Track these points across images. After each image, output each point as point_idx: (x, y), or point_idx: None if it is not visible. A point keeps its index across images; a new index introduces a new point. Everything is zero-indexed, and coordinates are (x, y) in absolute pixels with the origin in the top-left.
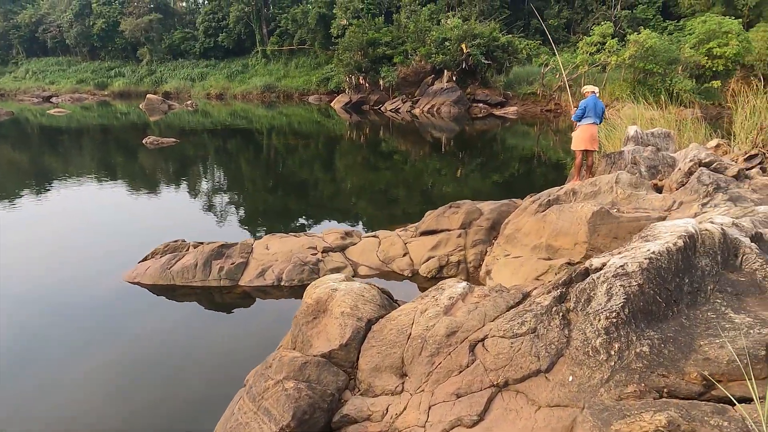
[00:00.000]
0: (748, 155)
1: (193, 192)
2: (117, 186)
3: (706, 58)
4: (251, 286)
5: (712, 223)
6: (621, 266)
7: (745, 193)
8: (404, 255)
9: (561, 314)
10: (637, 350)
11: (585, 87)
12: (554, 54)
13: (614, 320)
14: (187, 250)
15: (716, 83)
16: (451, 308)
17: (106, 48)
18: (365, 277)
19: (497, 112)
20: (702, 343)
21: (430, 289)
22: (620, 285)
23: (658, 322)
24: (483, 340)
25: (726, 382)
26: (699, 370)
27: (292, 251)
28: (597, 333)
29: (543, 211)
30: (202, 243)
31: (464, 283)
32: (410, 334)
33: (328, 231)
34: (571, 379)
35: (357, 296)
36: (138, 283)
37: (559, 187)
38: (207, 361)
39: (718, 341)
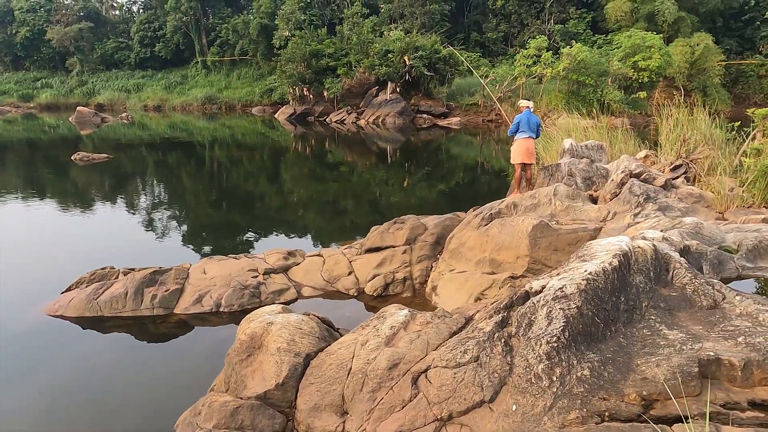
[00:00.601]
0: (673, 165)
1: (126, 212)
2: (40, 207)
3: (633, 70)
4: (188, 314)
5: (644, 239)
6: (560, 288)
7: (672, 203)
8: (349, 274)
9: (503, 340)
10: (578, 374)
11: (520, 101)
12: (493, 66)
13: (555, 344)
14: (116, 277)
15: (642, 94)
16: (393, 338)
17: (31, 57)
18: (309, 298)
19: (441, 122)
20: (639, 362)
21: (371, 318)
22: (560, 308)
23: (597, 343)
24: (426, 371)
25: (663, 401)
26: (638, 391)
27: (231, 275)
28: (539, 358)
29: (486, 225)
30: (132, 269)
31: (405, 311)
32: (351, 368)
33: (270, 252)
34: (514, 408)
35: (294, 329)
36: (61, 316)
37: (500, 201)
38: (136, 403)
39: (654, 359)
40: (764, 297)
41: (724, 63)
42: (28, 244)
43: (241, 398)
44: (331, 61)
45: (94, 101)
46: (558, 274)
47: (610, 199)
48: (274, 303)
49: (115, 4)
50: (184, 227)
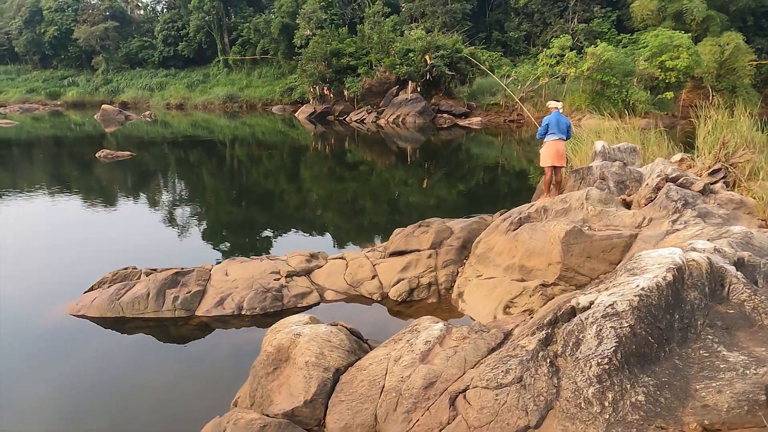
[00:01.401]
0: (711, 170)
1: (148, 211)
2: (64, 205)
3: (659, 70)
4: (209, 316)
5: (695, 251)
6: (610, 305)
7: (712, 209)
8: (373, 278)
9: (548, 360)
10: (633, 400)
11: (549, 102)
12: (515, 66)
13: (607, 367)
14: (139, 278)
15: (669, 94)
16: (428, 354)
17: (59, 56)
18: (332, 302)
19: (461, 122)
20: (698, 386)
21: (403, 331)
22: (611, 327)
23: (651, 365)
24: (465, 391)
25: (727, 431)
26: (699, 420)
27: (253, 277)
28: (589, 382)
29: (515, 230)
30: (155, 270)
31: (440, 324)
32: (383, 386)
33: (292, 254)
34: None
35: (323, 342)
36: (83, 316)
37: (530, 204)
38: (155, 406)
39: (715, 385)
40: None
41: (755, 63)
42: (52, 243)
43: (267, 415)
44: (351, 60)
45: (118, 99)
46: (606, 289)
47: (645, 204)
48: (296, 307)
49: (140, 4)
50: (205, 226)
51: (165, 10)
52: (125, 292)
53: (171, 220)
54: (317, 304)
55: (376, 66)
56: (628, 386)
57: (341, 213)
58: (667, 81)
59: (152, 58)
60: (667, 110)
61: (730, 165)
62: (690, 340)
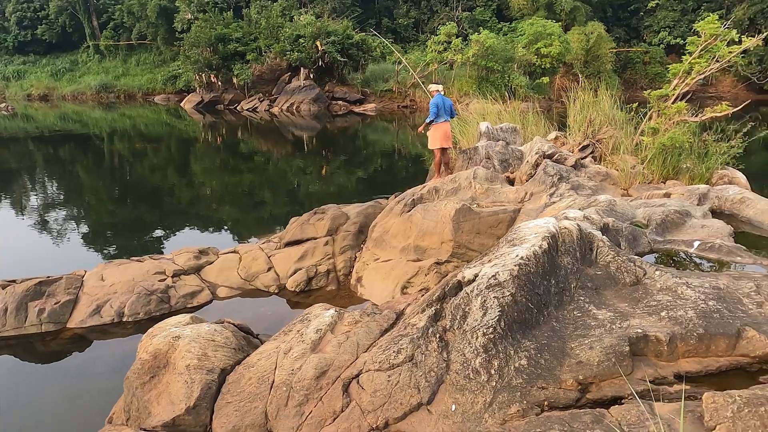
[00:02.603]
0: (581, 146)
1: (10, 217)
2: None
3: (536, 56)
4: (84, 327)
5: (567, 219)
6: (493, 276)
7: (583, 182)
8: (269, 270)
9: (438, 335)
10: (516, 365)
11: (430, 86)
12: (405, 52)
13: (492, 336)
14: None
15: (545, 79)
16: (320, 343)
17: None
18: (226, 299)
19: (357, 109)
20: (573, 345)
21: (294, 321)
22: (494, 297)
23: (532, 330)
24: (357, 376)
25: (599, 383)
26: (574, 376)
27: (134, 280)
28: (476, 352)
29: (408, 211)
30: (13, 281)
31: (331, 311)
32: (273, 381)
33: (179, 251)
34: (453, 408)
35: (206, 342)
36: None
37: (422, 186)
38: None
39: (587, 341)
40: (679, 270)
41: (614, 50)
42: None
43: (144, 429)
44: (239, 46)
45: None
46: (489, 261)
47: (526, 180)
48: (186, 307)
49: None
50: (80, 230)
51: None
52: None
53: (38, 225)
54: (209, 302)
55: (265, 52)
56: (512, 352)
57: (237, 206)
58: (542, 67)
59: (5, 43)
60: (544, 94)
61: (597, 141)
62: (565, 303)
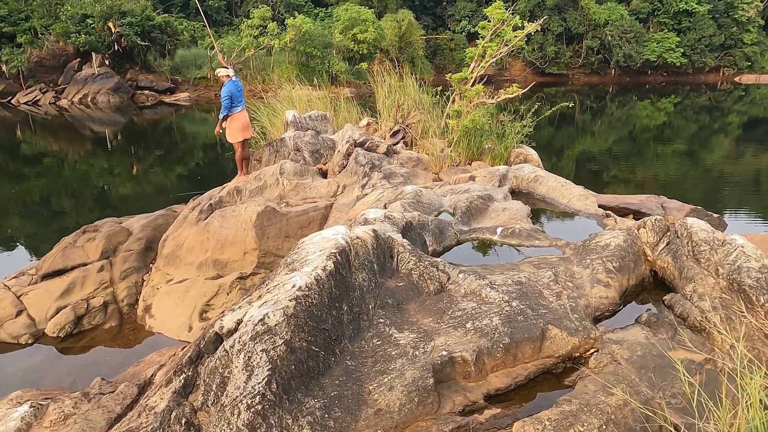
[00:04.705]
0: (392, 131)
1: None
2: None
3: (353, 42)
4: None
5: (363, 225)
6: (260, 320)
7: (395, 169)
8: (18, 314)
9: (185, 420)
10: None
11: (219, 71)
12: (219, 36)
13: (259, 407)
14: None
15: (363, 65)
16: None
17: None
18: None
19: (167, 99)
20: (371, 387)
21: None
22: (262, 350)
23: (319, 379)
24: None
25: None
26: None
27: None
28: None
29: (205, 219)
30: None
31: (25, 407)
32: None
33: None
34: None
35: None
36: None
37: (221, 187)
38: None
39: (387, 380)
40: (482, 267)
41: (424, 37)
42: None
43: None
44: (5, 26)
45: None
46: (260, 297)
47: (339, 171)
48: None
49: None
50: None
51: None
52: None
53: None
54: None
55: (42, 34)
56: (290, 421)
57: (31, 218)
58: (360, 52)
59: None
60: (364, 79)
61: (407, 126)
62: (363, 330)
